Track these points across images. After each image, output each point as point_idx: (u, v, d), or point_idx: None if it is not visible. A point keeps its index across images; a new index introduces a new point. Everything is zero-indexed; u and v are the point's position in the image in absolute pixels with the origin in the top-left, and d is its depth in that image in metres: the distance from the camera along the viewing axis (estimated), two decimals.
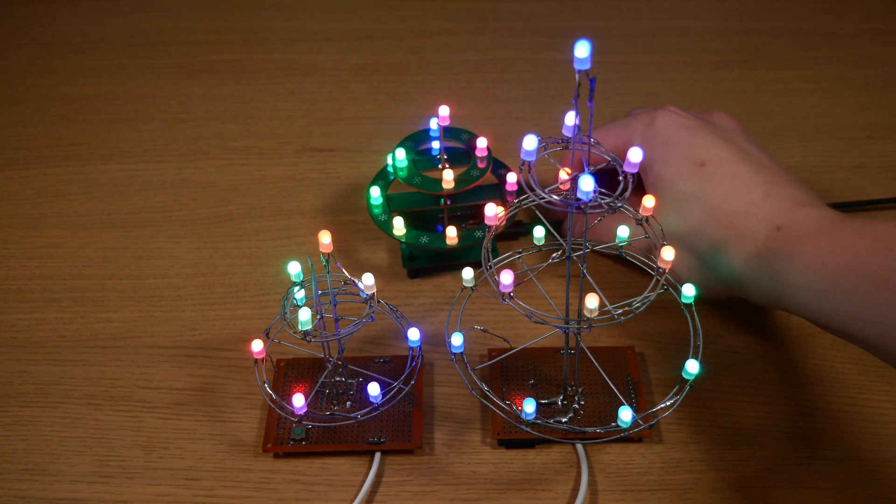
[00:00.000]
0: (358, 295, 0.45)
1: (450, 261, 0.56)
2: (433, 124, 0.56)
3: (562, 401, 0.47)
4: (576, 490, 0.44)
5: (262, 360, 0.46)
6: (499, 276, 0.41)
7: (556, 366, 0.50)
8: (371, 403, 0.46)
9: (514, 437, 0.46)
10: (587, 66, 0.33)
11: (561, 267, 0.56)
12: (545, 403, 0.47)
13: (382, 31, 0.80)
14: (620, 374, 0.49)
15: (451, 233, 0.54)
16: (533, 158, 0.37)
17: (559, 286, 0.55)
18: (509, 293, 0.41)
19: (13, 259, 0.58)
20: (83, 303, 0.55)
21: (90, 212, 0.62)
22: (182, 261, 0.58)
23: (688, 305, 0.45)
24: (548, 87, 0.73)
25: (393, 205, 0.56)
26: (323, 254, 0.42)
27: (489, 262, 0.42)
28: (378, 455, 0.46)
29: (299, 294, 0.44)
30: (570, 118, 0.38)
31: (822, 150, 0.66)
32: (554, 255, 0.44)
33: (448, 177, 0.53)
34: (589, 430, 0.44)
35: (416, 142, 0.56)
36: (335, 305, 0.44)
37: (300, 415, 0.45)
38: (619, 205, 0.38)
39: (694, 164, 0.49)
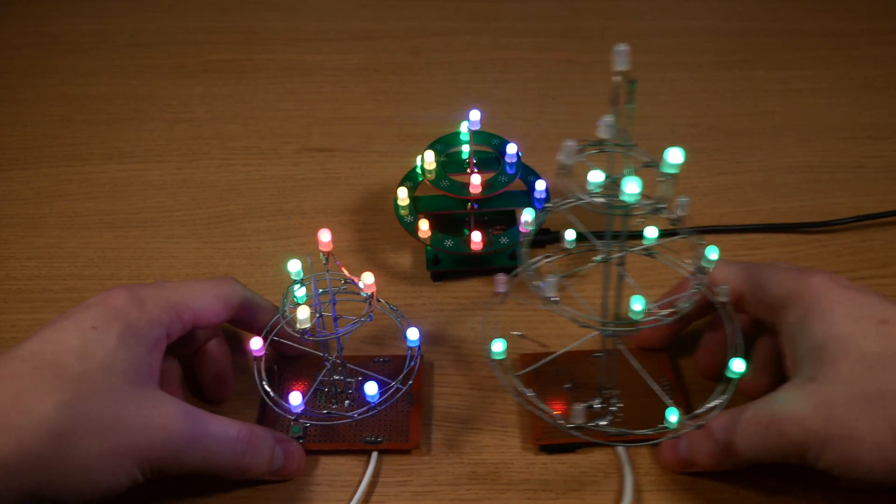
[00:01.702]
0: (359, 294, 0.45)
1: (475, 265, 0.56)
2: (463, 128, 0.55)
3: (599, 404, 0.47)
4: (617, 492, 0.44)
5: (261, 358, 0.46)
6: (539, 281, 0.40)
7: (590, 369, 0.49)
8: (369, 403, 0.46)
9: (555, 442, 0.46)
10: (626, 68, 0.33)
11: (590, 270, 0.55)
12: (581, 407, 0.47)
13: (382, 31, 0.80)
14: (655, 376, 0.48)
15: (476, 237, 0.53)
16: (572, 161, 0.37)
17: (587, 289, 0.55)
18: (553, 297, 0.40)
19: (13, 259, 0.58)
20: None
21: (90, 212, 0.62)
22: (182, 261, 0.58)
23: (723, 304, 0.45)
24: (548, 87, 0.73)
25: (420, 207, 0.56)
26: (322, 252, 0.42)
27: (524, 264, 0.42)
28: (375, 455, 0.46)
29: (300, 292, 0.44)
30: (606, 121, 0.38)
31: (822, 150, 0.66)
32: (595, 258, 0.42)
33: (476, 181, 0.52)
34: (639, 431, 0.44)
35: (446, 145, 0.56)
36: (334, 304, 0.44)
37: (297, 413, 0.45)
38: (663, 206, 0.37)
39: (875, 322, 0.40)
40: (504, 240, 0.54)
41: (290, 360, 0.51)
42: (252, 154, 0.67)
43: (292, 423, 0.46)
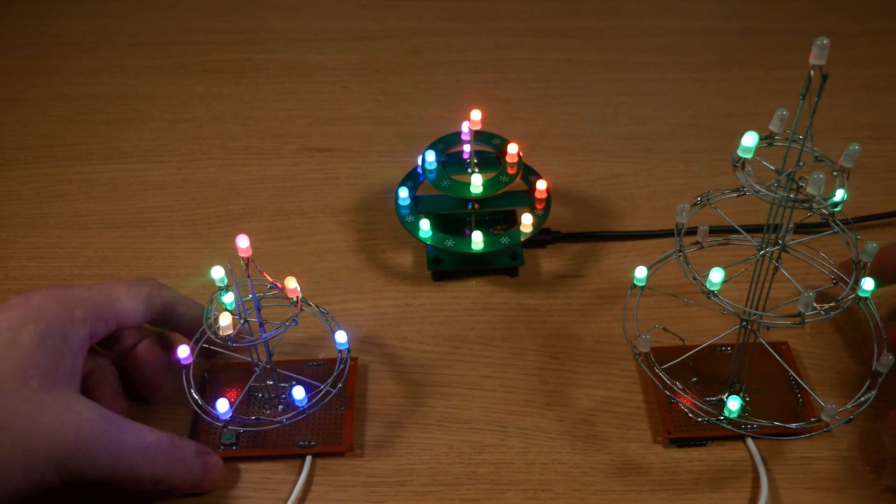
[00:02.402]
0: (290, 299, 0.44)
1: (476, 265, 0.56)
2: (464, 127, 0.55)
3: (727, 397, 0.47)
4: (753, 489, 0.44)
5: (189, 365, 0.45)
6: (708, 274, 0.40)
7: (714, 363, 0.49)
8: (298, 407, 0.46)
9: (687, 436, 0.46)
10: (823, 62, 0.33)
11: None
12: (711, 401, 0.47)
13: (382, 31, 0.80)
14: (782, 370, 0.48)
15: (478, 237, 0.53)
16: (749, 156, 0.37)
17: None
18: (714, 291, 0.40)
19: (13, 259, 0.58)
20: None
21: (90, 212, 0.62)
22: (182, 261, 0.58)
23: (864, 300, 0.44)
24: (548, 87, 0.73)
25: (421, 206, 0.56)
26: (242, 258, 0.41)
27: (680, 250, 0.42)
28: (309, 458, 0.46)
29: (227, 298, 0.44)
30: (780, 114, 0.37)
31: (822, 150, 0.66)
32: (761, 251, 0.42)
33: (476, 181, 0.52)
34: (792, 425, 0.43)
35: (446, 144, 0.56)
36: (258, 310, 0.43)
37: (225, 420, 0.44)
38: (842, 201, 0.37)
39: None
40: (505, 240, 0.54)
41: (224, 366, 0.50)
42: (252, 154, 0.67)
43: (224, 429, 0.46)
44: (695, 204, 0.43)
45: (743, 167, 0.38)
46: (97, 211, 0.62)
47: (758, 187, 0.37)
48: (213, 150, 0.67)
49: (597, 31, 0.80)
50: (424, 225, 0.54)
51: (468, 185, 0.53)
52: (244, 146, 0.67)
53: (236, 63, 0.76)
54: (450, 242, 0.54)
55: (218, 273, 0.44)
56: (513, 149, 0.54)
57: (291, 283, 0.43)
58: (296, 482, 0.45)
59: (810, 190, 0.36)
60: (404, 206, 0.56)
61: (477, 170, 0.54)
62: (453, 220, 0.58)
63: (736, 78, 0.74)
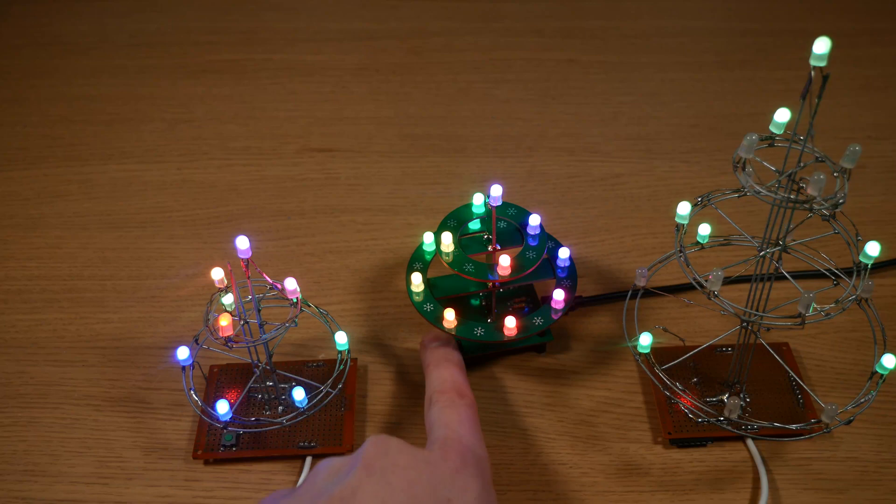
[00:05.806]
0: (289, 300, 0.44)
1: (502, 347, 0.51)
2: (476, 200, 0.50)
3: (728, 398, 0.47)
4: (753, 489, 0.44)
5: (190, 367, 0.45)
6: (709, 276, 0.40)
7: (715, 364, 0.49)
8: (298, 408, 0.45)
9: (687, 437, 0.46)
10: (823, 63, 0.33)
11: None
12: (712, 402, 0.47)
13: (382, 31, 0.80)
14: (783, 370, 0.49)
15: (511, 323, 0.48)
16: (750, 155, 0.37)
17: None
18: (714, 291, 0.40)
19: (13, 259, 0.58)
20: (83, 303, 0.55)
21: (90, 212, 0.62)
22: (182, 261, 0.58)
23: (865, 300, 0.44)
24: (548, 87, 0.73)
25: (437, 292, 0.50)
26: (242, 259, 0.41)
27: (681, 250, 0.42)
28: (309, 459, 0.46)
29: (226, 300, 0.43)
30: (783, 114, 0.37)
31: (822, 150, 0.66)
32: (762, 251, 0.41)
33: (505, 262, 0.47)
34: (793, 426, 0.43)
35: (458, 220, 0.50)
36: (258, 311, 0.43)
37: (225, 421, 0.44)
38: (842, 201, 0.37)
39: None
40: (538, 321, 0.49)
41: (224, 367, 0.50)
42: (252, 154, 0.67)
43: (224, 431, 0.46)
44: (696, 204, 0.43)
45: (743, 168, 0.38)
46: (97, 211, 0.62)
47: (758, 188, 0.37)
48: (213, 150, 0.67)
49: (597, 31, 0.80)
50: (449, 315, 0.48)
51: (494, 266, 0.47)
52: (244, 146, 0.67)
53: (236, 63, 0.76)
54: (479, 331, 0.48)
55: (218, 274, 0.43)
56: (535, 220, 0.49)
57: (291, 284, 0.43)
58: (296, 483, 0.45)
59: (811, 191, 0.36)
60: (418, 293, 0.50)
61: (498, 247, 0.49)
62: (467, 297, 0.53)
63: (736, 78, 0.74)
